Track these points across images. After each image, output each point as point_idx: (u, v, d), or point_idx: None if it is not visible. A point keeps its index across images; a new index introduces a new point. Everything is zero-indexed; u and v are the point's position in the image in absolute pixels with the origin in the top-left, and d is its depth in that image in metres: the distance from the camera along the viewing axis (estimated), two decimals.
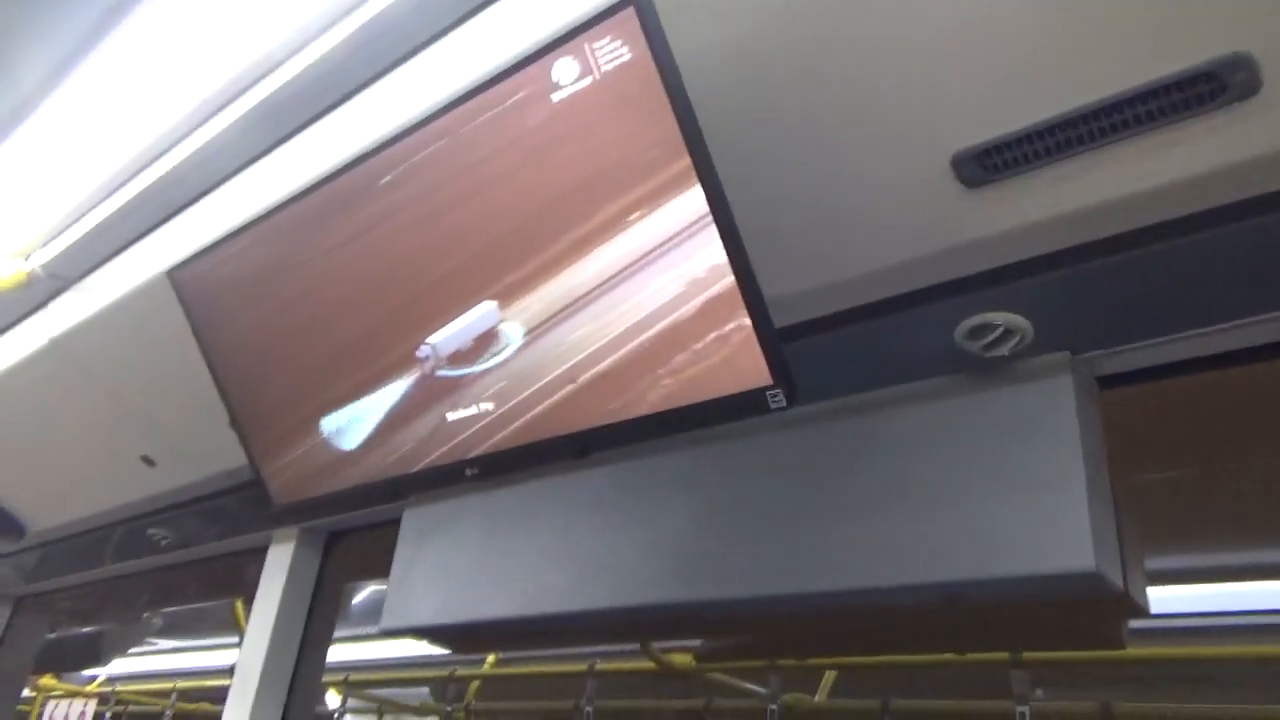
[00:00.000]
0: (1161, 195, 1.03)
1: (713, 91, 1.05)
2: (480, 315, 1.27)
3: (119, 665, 5.53)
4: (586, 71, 1.02)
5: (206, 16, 1.48)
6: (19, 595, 3.56)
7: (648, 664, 3.28)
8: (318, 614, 2.42)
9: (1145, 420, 1.40)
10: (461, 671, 4.11)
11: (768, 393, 1.03)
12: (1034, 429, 1.24)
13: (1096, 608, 1.30)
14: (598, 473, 1.67)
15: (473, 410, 1.30)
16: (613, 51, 1.00)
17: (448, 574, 1.88)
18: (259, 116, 1.50)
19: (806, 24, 1.01)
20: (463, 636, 1.94)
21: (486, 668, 4.23)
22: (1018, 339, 1.25)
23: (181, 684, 4.86)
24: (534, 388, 1.23)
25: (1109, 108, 0.97)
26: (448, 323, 1.30)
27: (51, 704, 3.55)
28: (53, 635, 4.00)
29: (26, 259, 1.93)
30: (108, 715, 5.16)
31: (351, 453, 1.50)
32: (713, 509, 1.50)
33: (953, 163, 1.06)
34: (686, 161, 0.99)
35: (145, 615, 4.09)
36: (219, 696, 4.99)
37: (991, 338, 1.26)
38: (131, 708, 5.27)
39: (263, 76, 1.47)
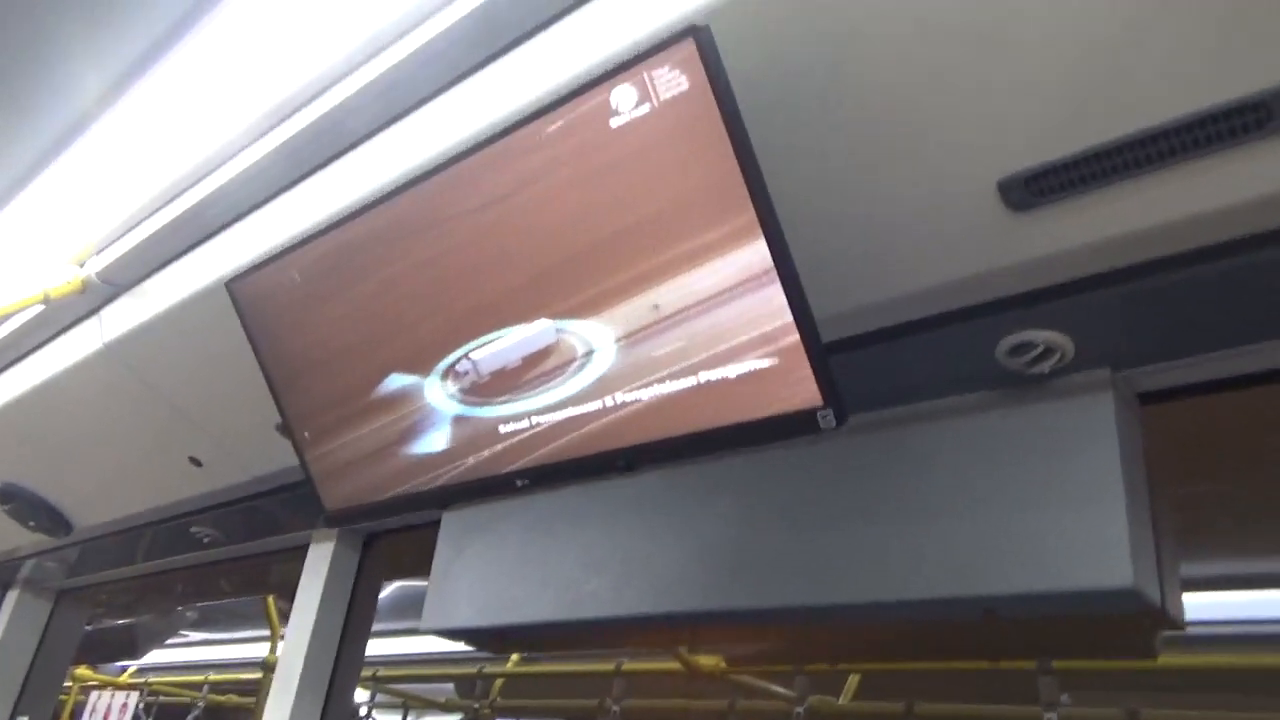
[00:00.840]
0: (1204, 220, 1.06)
1: (765, 111, 1.08)
2: (527, 336, 1.30)
3: (148, 657, 5.64)
4: (645, 99, 1.05)
5: (265, 34, 1.53)
6: (60, 589, 3.65)
7: (674, 665, 3.32)
8: (356, 612, 2.48)
9: (1185, 434, 1.42)
10: (489, 669, 4.17)
11: (819, 413, 1.06)
12: (1074, 445, 1.26)
13: (1131, 621, 1.32)
14: (639, 479, 1.71)
15: (524, 425, 1.34)
16: (671, 80, 1.03)
17: (488, 576, 1.93)
18: (315, 134, 1.55)
19: (857, 51, 1.04)
20: (502, 638, 1.98)
21: (510, 665, 4.29)
22: (1058, 356, 1.28)
23: (213, 676, 4.94)
24: (584, 408, 1.27)
25: (1156, 135, 0.99)
26: (495, 339, 1.34)
27: (95, 694, 3.63)
28: (89, 627, 4.09)
29: (82, 265, 1.99)
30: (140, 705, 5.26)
31: (401, 460, 1.54)
32: (754, 517, 1.53)
33: (999, 187, 1.09)
34: (744, 192, 1.02)
35: (179, 609, 4.18)
36: (247, 689, 5.08)
37: (1032, 355, 1.28)
38: (162, 699, 5.36)
39: (320, 94, 1.51)
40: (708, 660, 3.13)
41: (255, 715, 4.29)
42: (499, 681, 4.21)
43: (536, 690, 4.32)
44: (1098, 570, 1.18)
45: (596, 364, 1.24)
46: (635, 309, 1.17)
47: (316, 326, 1.52)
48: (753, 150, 1.03)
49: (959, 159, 1.08)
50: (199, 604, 4.29)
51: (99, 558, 3.28)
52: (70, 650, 3.69)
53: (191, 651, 6.10)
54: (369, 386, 1.51)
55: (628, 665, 3.37)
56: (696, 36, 1.00)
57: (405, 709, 4.45)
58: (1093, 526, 1.20)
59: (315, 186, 1.62)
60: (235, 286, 1.57)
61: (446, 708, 4.66)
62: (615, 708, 3.24)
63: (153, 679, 5.03)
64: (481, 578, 1.94)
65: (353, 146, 1.56)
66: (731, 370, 1.12)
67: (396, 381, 1.48)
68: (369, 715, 4.16)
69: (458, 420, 1.42)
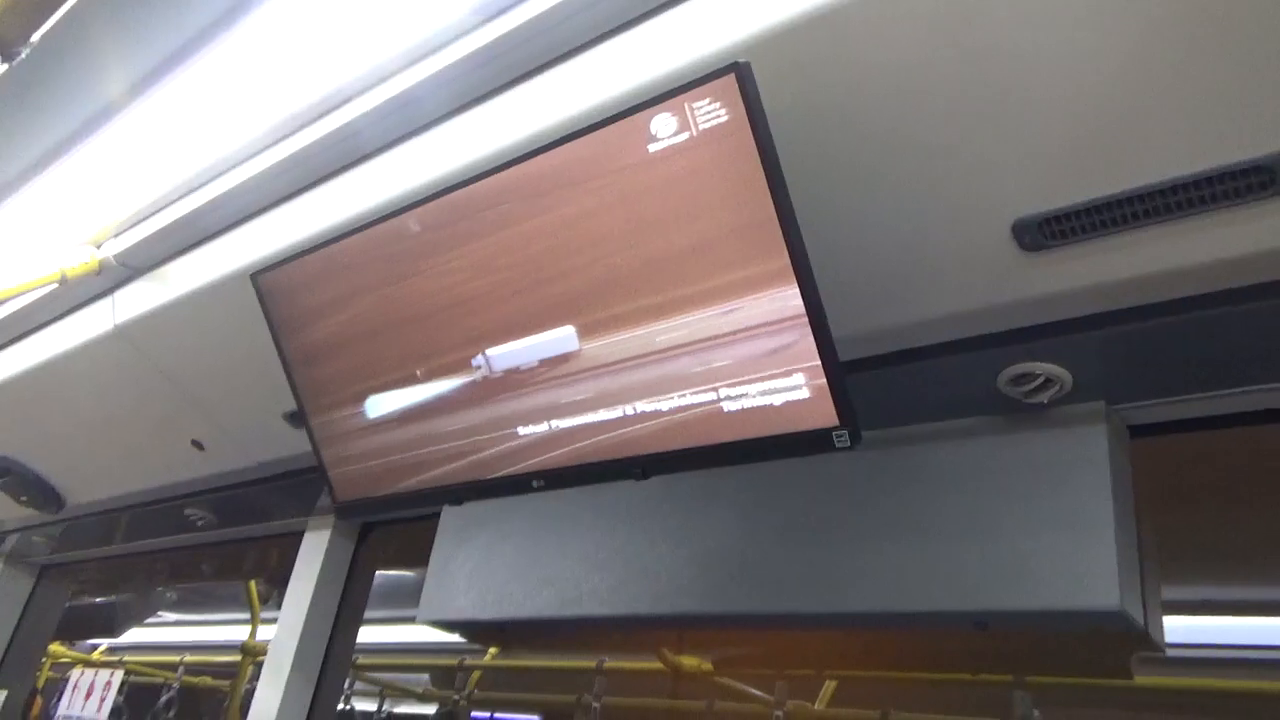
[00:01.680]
0: (1205, 270, 1.12)
1: (796, 143, 1.13)
2: (546, 341, 1.35)
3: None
4: (684, 128, 1.10)
5: (294, 38, 1.56)
6: (44, 564, 3.64)
7: (655, 664, 3.38)
8: (349, 600, 2.51)
9: (1171, 467, 1.49)
10: (468, 661, 4.20)
11: (834, 433, 1.11)
12: (1068, 471, 1.33)
13: (1113, 641, 1.39)
14: (643, 484, 1.76)
15: (543, 428, 1.38)
16: (711, 112, 1.08)
17: (487, 571, 1.97)
18: (337, 139, 1.58)
19: (886, 94, 1.10)
20: (499, 631, 2.02)
21: (489, 659, 4.33)
22: (1057, 388, 1.34)
23: (189, 658, 4.94)
24: (603, 416, 1.31)
25: (1166, 190, 1.05)
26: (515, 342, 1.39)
27: (76, 672, 3.63)
28: (67, 604, 4.08)
29: (99, 247, 2.01)
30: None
31: (416, 455, 1.58)
32: (755, 524, 1.59)
33: (1013, 229, 1.15)
34: (774, 222, 1.08)
35: (160, 589, 4.18)
36: (222, 672, 5.08)
37: (1033, 385, 1.35)
38: (134, 678, 5.34)
39: (345, 102, 1.55)
40: (689, 660, 3.19)
41: (231, 697, 4.31)
42: (477, 674, 4.24)
43: (515, 684, 4.37)
44: (1086, 591, 1.24)
45: (609, 374, 1.29)
46: (658, 329, 1.22)
47: (339, 320, 1.56)
48: (785, 181, 1.08)
49: (978, 200, 1.14)
50: (180, 585, 4.29)
51: (85, 534, 3.28)
52: (51, 626, 3.69)
53: (163, 632, 6.08)
54: (388, 380, 1.55)
55: (609, 663, 3.42)
56: (738, 71, 1.05)
57: (382, 697, 4.48)
58: (1083, 549, 1.27)
59: (337, 189, 1.65)
60: (261, 278, 1.61)
61: (423, 698, 4.69)
62: (595, 705, 3.29)
63: (127, 658, 5.01)
64: (481, 571, 1.98)
65: (370, 156, 1.60)
66: (752, 389, 1.17)
67: (416, 377, 1.51)
68: (349, 702, 4.18)
69: (475, 416, 1.47)
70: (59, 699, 3.99)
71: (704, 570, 1.63)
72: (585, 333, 1.28)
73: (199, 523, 2.78)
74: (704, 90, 1.08)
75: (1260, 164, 0.99)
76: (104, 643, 5.68)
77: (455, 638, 2.21)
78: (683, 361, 1.20)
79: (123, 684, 4.82)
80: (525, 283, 1.32)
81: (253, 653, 4.25)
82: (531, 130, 1.32)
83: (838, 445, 1.12)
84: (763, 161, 1.06)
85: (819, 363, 1.11)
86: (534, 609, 1.84)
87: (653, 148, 1.13)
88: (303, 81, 1.58)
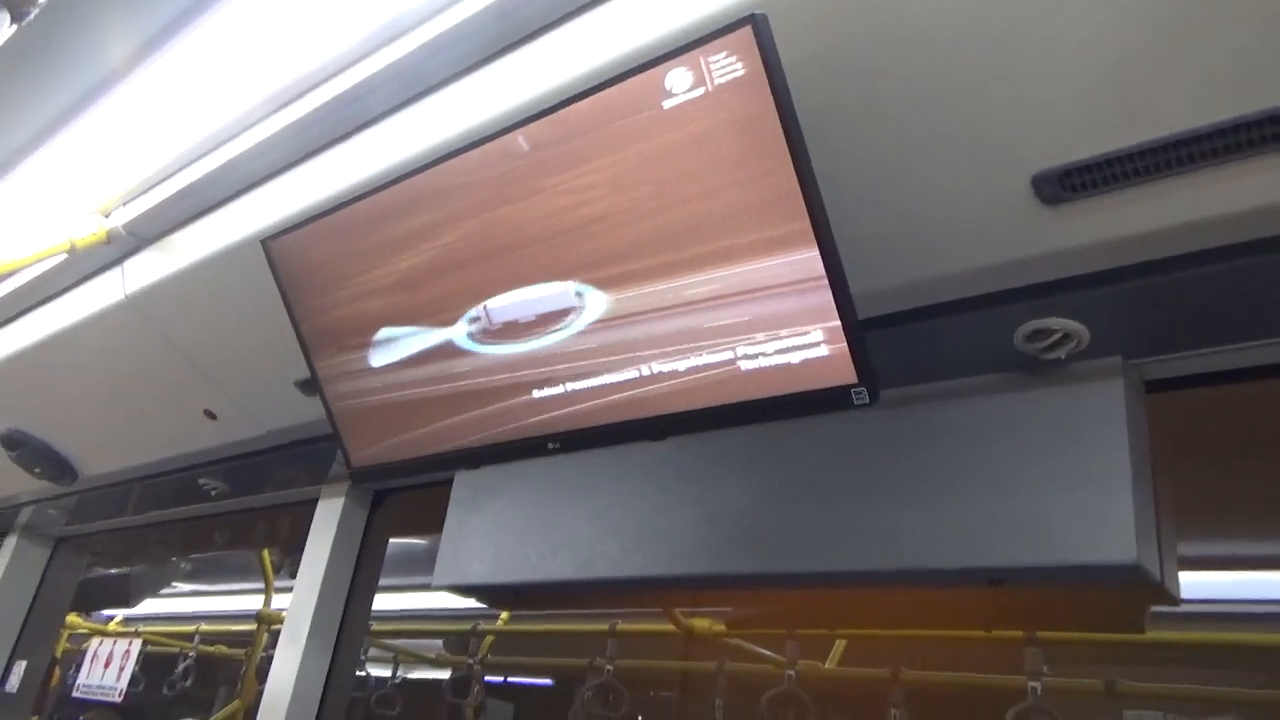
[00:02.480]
0: (1223, 222, 1.11)
1: (813, 97, 1.12)
2: (548, 294, 1.34)
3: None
4: (700, 82, 1.09)
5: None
6: (60, 536, 3.68)
7: (667, 627, 3.41)
8: (364, 567, 2.54)
9: (1188, 421, 1.49)
10: (481, 626, 4.25)
11: (852, 390, 1.11)
12: (1085, 427, 1.33)
13: (1129, 595, 1.40)
14: (656, 444, 1.76)
15: (559, 390, 1.39)
16: (727, 66, 1.07)
17: (501, 535, 1.99)
18: (346, 101, 1.57)
19: (904, 45, 1.08)
20: (514, 595, 2.04)
21: (501, 624, 4.37)
22: (1074, 343, 1.34)
23: (205, 627, 5.00)
24: (619, 376, 1.31)
25: (1186, 140, 1.04)
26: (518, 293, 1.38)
27: (95, 641, 3.67)
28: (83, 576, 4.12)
29: (107, 216, 2.00)
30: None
31: (429, 419, 1.58)
32: (770, 485, 1.59)
33: (1033, 181, 1.14)
34: (792, 176, 1.07)
35: (175, 560, 4.22)
36: (237, 640, 5.14)
37: (1050, 341, 1.34)
38: (150, 648, 5.41)
39: (351, 65, 1.53)
40: (701, 623, 3.22)
41: (247, 666, 4.36)
42: (489, 639, 4.29)
43: (528, 649, 4.41)
44: (1103, 546, 1.25)
45: (622, 329, 1.28)
46: (673, 285, 1.21)
47: (351, 283, 1.55)
48: (803, 136, 1.07)
49: (997, 153, 1.13)
50: (194, 555, 4.33)
51: (100, 506, 3.31)
52: (68, 597, 3.73)
53: (178, 602, 6.15)
54: (400, 343, 1.55)
55: (622, 626, 3.45)
56: (754, 23, 1.04)
57: (396, 663, 4.53)
58: (1100, 505, 1.27)
59: (346, 153, 1.64)
60: (271, 244, 1.60)
61: (436, 663, 4.75)
62: (609, 667, 3.33)
63: (142, 628, 5.07)
64: (495, 536, 1.99)
65: (380, 118, 1.58)
66: (769, 347, 1.17)
67: (426, 337, 1.51)
68: (364, 668, 4.24)
69: (489, 378, 1.47)
70: (77, 669, 4.06)
71: (717, 532, 1.63)
72: (597, 287, 1.28)
73: (212, 492, 2.80)
74: (720, 43, 1.07)
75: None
76: (119, 614, 5.75)
77: (468, 603, 2.23)
78: (700, 318, 1.20)
79: (139, 654, 4.90)
80: (543, 240, 1.31)
81: (268, 621, 4.30)
82: (541, 90, 1.31)
83: (856, 403, 1.12)
84: (780, 115, 1.05)
85: (837, 321, 1.10)
86: (548, 572, 1.85)
87: (668, 104, 1.12)
88: (310, 45, 1.57)
